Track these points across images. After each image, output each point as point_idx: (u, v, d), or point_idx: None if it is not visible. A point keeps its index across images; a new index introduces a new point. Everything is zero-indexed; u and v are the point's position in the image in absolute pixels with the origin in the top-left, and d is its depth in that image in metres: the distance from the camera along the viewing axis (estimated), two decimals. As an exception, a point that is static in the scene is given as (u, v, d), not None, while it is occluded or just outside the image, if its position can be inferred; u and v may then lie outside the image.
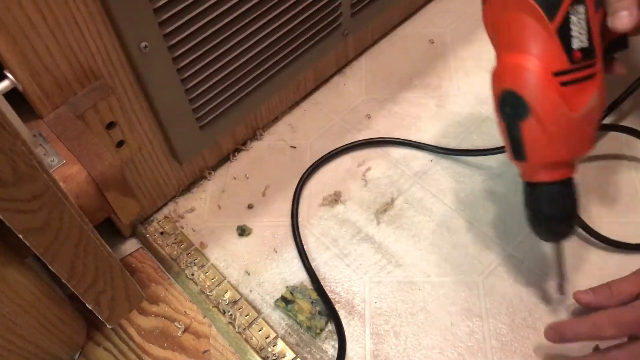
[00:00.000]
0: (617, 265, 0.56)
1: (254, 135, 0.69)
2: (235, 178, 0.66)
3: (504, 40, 0.46)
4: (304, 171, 0.66)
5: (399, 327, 0.55)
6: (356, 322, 0.56)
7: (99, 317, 0.45)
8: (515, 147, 0.47)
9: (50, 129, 0.46)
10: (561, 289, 0.54)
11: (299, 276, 0.59)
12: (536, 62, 0.43)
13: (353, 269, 0.59)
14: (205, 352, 0.56)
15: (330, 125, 0.70)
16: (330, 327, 0.56)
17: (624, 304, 0.50)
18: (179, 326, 0.57)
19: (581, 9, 0.42)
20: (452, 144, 0.67)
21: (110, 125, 0.50)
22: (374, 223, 0.62)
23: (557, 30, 0.42)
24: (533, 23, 0.42)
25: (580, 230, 0.58)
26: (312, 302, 0.57)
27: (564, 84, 0.43)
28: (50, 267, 0.37)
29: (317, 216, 0.63)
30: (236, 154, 0.68)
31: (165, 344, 0.56)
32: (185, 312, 0.58)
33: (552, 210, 0.48)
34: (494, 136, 0.67)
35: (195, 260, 0.60)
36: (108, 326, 0.47)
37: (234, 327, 0.56)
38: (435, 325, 0.55)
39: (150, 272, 0.61)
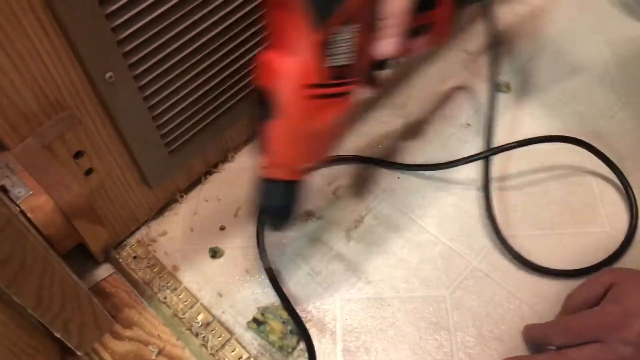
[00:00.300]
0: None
1: (225, 158, 0.70)
2: (207, 200, 0.67)
3: (272, 34, 0.44)
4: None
5: (369, 343, 0.56)
6: (327, 340, 0.57)
7: (68, 344, 0.45)
8: (257, 139, 0.47)
9: (18, 160, 0.47)
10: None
11: (271, 296, 0.60)
12: (294, 68, 0.42)
13: (324, 287, 0.60)
14: (179, 374, 0.56)
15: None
16: (302, 345, 0.57)
17: (592, 306, 0.52)
18: (153, 349, 0.58)
19: (349, 28, 0.41)
20: (418, 160, 0.69)
21: (78, 155, 0.51)
22: (344, 241, 0.63)
23: (321, 43, 0.41)
24: (300, 28, 0.40)
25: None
26: (284, 322, 0.57)
27: (313, 97, 0.43)
28: (15, 298, 0.38)
29: (289, 235, 0.64)
30: (207, 176, 0.69)
31: (139, 368, 0.57)
32: (158, 335, 0.59)
33: (271, 205, 0.50)
34: (460, 149, 0.69)
35: (168, 284, 0.61)
36: (78, 353, 0.47)
37: (206, 348, 0.57)
38: (404, 340, 0.56)
39: (123, 297, 0.61)
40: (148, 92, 0.53)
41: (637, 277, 0.52)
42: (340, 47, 0.42)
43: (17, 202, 0.44)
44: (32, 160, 0.47)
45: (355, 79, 0.45)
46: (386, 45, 0.45)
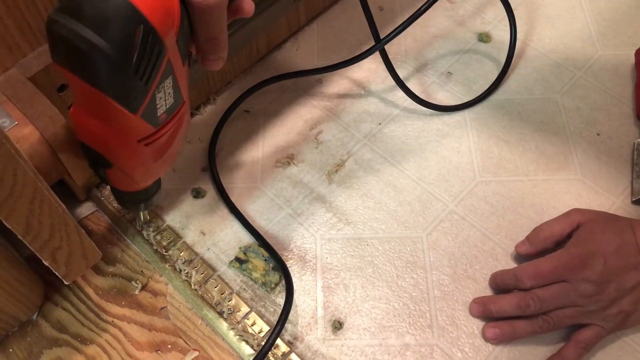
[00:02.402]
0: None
1: (207, 100, 0.70)
2: (189, 141, 0.68)
3: (80, 101, 0.40)
4: (258, 135, 0.68)
5: (348, 280, 0.58)
6: (308, 277, 0.59)
7: (56, 273, 0.46)
8: (101, 179, 0.47)
9: (1, 90, 0.46)
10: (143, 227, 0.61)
11: (252, 236, 0.61)
12: (118, 135, 0.40)
13: (305, 227, 0.62)
14: (162, 308, 0.58)
15: (282, 90, 0.72)
16: (284, 282, 0.58)
17: (558, 243, 0.56)
18: (136, 285, 0.59)
19: (168, 81, 0.39)
20: (401, 106, 0.70)
21: (62, 88, 0.50)
22: (326, 183, 0.65)
23: (142, 115, 0.39)
24: (115, 112, 0.38)
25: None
26: (265, 259, 0.59)
27: (148, 144, 0.42)
28: (5, 223, 0.38)
29: (271, 178, 0.65)
30: (190, 118, 0.69)
31: (123, 302, 0.58)
32: (142, 271, 0.60)
33: (135, 202, 0.52)
34: (435, 100, 0.70)
35: (151, 222, 0.62)
36: (65, 282, 0.48)
37: (189, 284, 0.58)
38: (382, 278, 0.58)
39: (106, 234, 0.62)
40: (133, 27, 0.52)
41: (602, 221, 0.55)
42: (162, 99, 0.40)
43: (3, 131, 0.44)
44: (16, 91, 0.46)
45: (183, 101, 0.43)
46: (215, 62, 0.43)
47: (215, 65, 0.44)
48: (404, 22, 0.63)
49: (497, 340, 0.55)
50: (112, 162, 0.43)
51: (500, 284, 0.57)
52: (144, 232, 0.61)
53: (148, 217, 0.61)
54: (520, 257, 0.59)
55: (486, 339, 0.55)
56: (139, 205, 0.52)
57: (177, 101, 0.42)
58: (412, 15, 0.63)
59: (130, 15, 0.34)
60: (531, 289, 0.53)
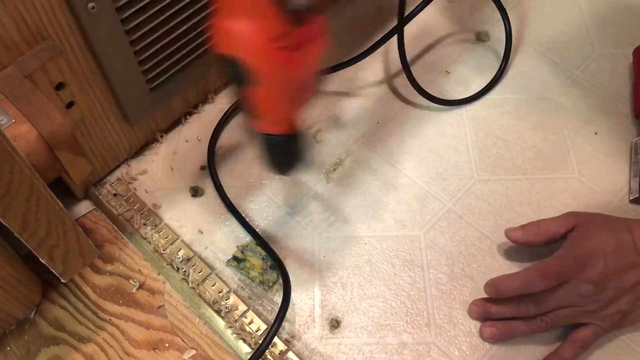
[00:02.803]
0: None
1: (205, 99, 0.70)
2: (187, 140, 0.68)
3: (222, 2, 0.41)
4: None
5: (345, 278, 0.58)
6: (306, 276, 0.59)
7: (53, 271, 0.46)
8: (243, 107, 0.46)
9: (-2, 88, 0.46)
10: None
11: (250, 235, 0.61)
12: (253, 28, 0.40)
13: (303, 226, 0.62)
14: (160, 307, 0.58)
15: (280, 89, 0.72)
16: (282, 280, 0.58)
17: (550, 242, 0.55)
18: (134, 283, 0.59)
19: None
20: (398, 106, 0.70)
21: (60, 86, 0.51)
22: (324, 182, 0.65)
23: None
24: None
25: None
26: (263, 258, 0.59)
27: (283, 49, 0.41)
28: (1, 220, 0.38)
29: (269, 177, 0.65)
30: (188, 117, 0.69)
31: (121, 301, 0.58)
32: (139, 270, 0.60)
33: (278, 157, 0.50)
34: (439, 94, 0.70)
35: (149, 221, 0.62)
36: (62, 280, 0.48)
37: (187, 283, 0.58)
38: (379, 276, 0.58)
39: (104, 233, 0.62)
40: (130, 26, 0.52)
41: (598, 221, 0.54)
42: None
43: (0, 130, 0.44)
44: (13, 89, 0.46)
45: (318, 13, 0.41)
46: None
47: None
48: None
49: (494, 340, 0.55)
50: (251, 66, 0.41)
51: (506, 290, 0.54)
52: (141, 231, 0.61)
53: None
54: (506, 242, 0.59)
55: (484, 338, 0.55)
56: (291, 161, 0.50)
57: (312, 6, 0.40)
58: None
59: None
60: (540, 292, 0.52)
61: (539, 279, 0.52)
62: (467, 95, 0.70)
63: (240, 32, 0.40)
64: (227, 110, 0.69)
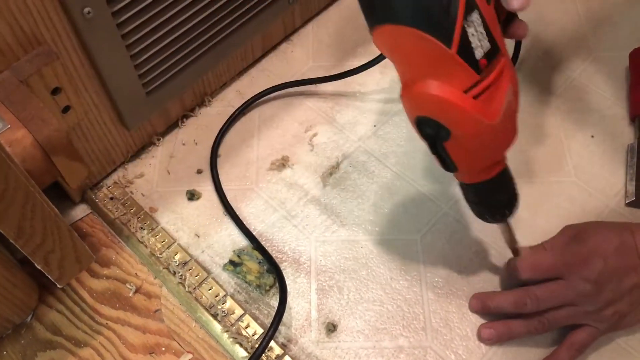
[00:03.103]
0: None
1: (202, 102, 0.70)
2: (184, 144, 0.68)
3: (407, 69, 0.42)
4: (253, 137, 0.68)
5: (342, 282, 0.58)
6: (302, 279, 0.59)
7: (49, 277, 0.46)
8: (444, 162, 0.46)
9: (-6, 94, 0.46)
10: (516, 252, 0.56)
11: (247, 238, 0.61)
12: (444, 86, 0.40)
13: (300, 230, 0.62)
14: (156, 311, 0.58)
15: (277, 92, 0.72)
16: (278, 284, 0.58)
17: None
18: (130, 287, 0.59)
19: (475, 16, 0.39)
20: (395, 109, 0.70)
21: (56, 91, 0.51)
22: (320, 186, 0.65)
23: (458, 52, 0.39)
24: (433, 52, 0.39)
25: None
26: (260, 262, 0.59)
27: (476, 96, 0.41)
28: (-3, 227, 0.38)
29: (266, 180, 0.65)
30: (185, 120, 0.69)
31: (117, 305, 0.58)
32: (136, 274, 0.60)
33: (495, 201, 0.49)
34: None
35: (145, 224, 0.62)
36: (58, 286, 0.48)
37: (184, 287, 0.58)
38: (376, 280, 0.58)
39: (100, 237, 0.62)
40: (127, 30, 0.53)
41: (597, 225, 0.55)
42: (475, 39, 0.39)
43: (-6, 135, 0.44)
44: (9, 94, 0.46)
45: (502, 51, 0.42)
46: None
47: (519, 2, 0.42)
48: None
49: (492, 341, 0.55)
50: (448, 126, 0.42)
51: (493, 308, 0.55)
52: (137, 235, 0.61)
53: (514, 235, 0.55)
54: (502, 246, 0.58)
55: (481, 339, 0.55)
56: (503, 211, 0.50)
57: (495, 49, 0.41)
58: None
59: None
60: (527, 281, 0.53)
61: (526, 269, 0.53)
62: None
63: (433, 92, 0.41)
64: (233, 113, 0.68)
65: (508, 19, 0.46)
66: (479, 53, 0.40)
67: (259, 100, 0.71)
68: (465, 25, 0.38)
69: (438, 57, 0.39)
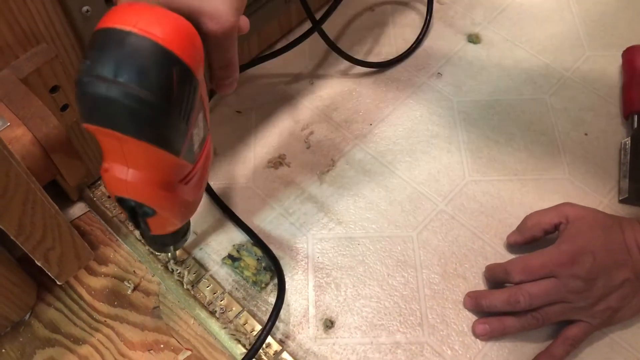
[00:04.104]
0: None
1: (199, 101, 0.71)
2: (181, 142, 0.68)
3: (118, 158, 0.37)
4: (250, 135, 0.68)
5: (339, 279, 0.59)
6: (300, 276, 0.59)
7: (49, 273, 0.46)
8: (139, 228, 0.44)
9: (-7, 92, 0.47)
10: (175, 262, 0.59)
11: (245, 235, 0.62)
12: (162, 182, 0.39)
13: (297, 227, 0.62)
14: (154, 308, 0.58)
15: (274, 91, 0.72)
16: (276, 281, 0.59)
17: (547, 232, 0.57)
18: (129, 285, 0.59)
19: (200, 115, 0.39)
20: (391, 108, 0.71)
21: (54, 89, 0.51)
22: (317, 183, 0.65)
23: (184, 156, 0.38)
24: (160, 159, 0.37)
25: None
26: (258, 259, 0.59)
27: (187, 182, 0.41)
28: (-2, 224, 0.38)
29: (263, 178, 0.66)
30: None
31: (116, 302, 0.58)
32: (134, 271, 0.60)
33: (173, 243, 0.52)
34: (426, 101, 0.71)
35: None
36: (58, 283, 0.48)
37: (182, 284, 0.58)
38: (373, 277, 0.59)
39: (98, 235, 0.62)
40: (125, 29, 0.53)
41: (591, 218, 0.55)
42: (197, 136, 0.39)
43: (-5, 132, 0.44)
44: (8, 92, 0.47)
45: (208, 133, 0.43)
46: (228, 87, 0.44)
47: (229, 88, 0.44)
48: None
49: (486, 336, 0.55)
50: (155, 208, 0.41)
51: (491, 278, 0.58)
52: (135, 232, 0.61)
53: (176, 255, 0.60)
54: (511, 247, 0.60)
55: (476, 334, 0.56)
56: (170, 247, 0.52)
57: (205, 132, 0.41)
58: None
59: (165, 59, 0.33)
60: (520, 283, 0.54)
61: (518, 271, 0.54)
62: (461, 99, 0.71)
63: (150, 188, 0.39)
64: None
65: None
66: (196, 145, 0.40)
67: (256, 100, 0.71)
68: (193, 130, 0.38)
69: (163, 163, 0.37)
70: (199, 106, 0.38)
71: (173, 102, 0.34)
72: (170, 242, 0.51)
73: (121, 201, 0.40)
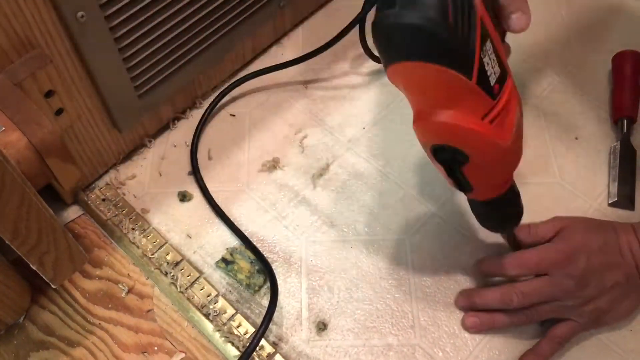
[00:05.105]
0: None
1: (193, 104, 0.71)
2: (175, 145, 0.68)
3: (422, 100, 0.43)
4: (244, 139, 0.69)
5: (332, 282, 0.59)
6: (293, 279, 0.60)
7: (44, 277, 0.47)
8: (459, 184, 0.48)
9: (-12, 96, 0.47)
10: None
11: (239, 238, 0.62)
12: (463, 114, 0.41)
13: (291, 230, 0.63)
14: (149, 311, 0.58)
15: (268, 95, 0.73)
16: (269, 284, 0.59)
17: (538, 244, 0.57)
18: (123, 288, 0.59)
19: (488, 45, 0.40)
20: (384, 112, 0.71)
21: (49, 94, 0.51)
22: (311, 187, 0.66)
23: (477, 82, 0.40)
24: (453, 84, 0.39)
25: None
26: (251, 262, 0.60)
27: (492, 121, 0.42)
28: (-7, 228, 0.39)
29: (257, 181, 0.66)
30: (176, 122, 0.70)
31: (110, 305, 0.59)
32: (128, 274, 0.60)
33: (504, 214, 0.52)
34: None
35: (137, 225, 0.62)
36: (52, 286, 0.49)
37: (176, 287, 0.59)
38: (365, 280, 0.60)
39: (93, 238, 0.63)
40: (119, 34, 0.53)
41: (584, 222, 0.56)
42: (490, 66, 0.40)
43: (-10, 137, 0.45)
44: (3, 97, 0.47)
45: (509, 74, 0.43)
46: (518, 20, 0.43)
47: (520, 23, 0.43)
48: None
49: (476, 329, 0.56)
50: (467, 151, 0.43)
51: (485, 270, 0.58)
52: (129, 235, 0.62)
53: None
54: (505, 247, 0.60)
55: (465, 327, 0.56)
56: (510, 222, 0.52)
57: (503, 73, 0.42)
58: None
59: None
60: (515, 277, 0.55)
61: (514, 266, 0.55)
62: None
63: (454, 122, 0.41)
64: (203, 115, 0.69)
65: None
66: (492, 79, 0.41)
67: (250, 104, 0.72)
68: (482, 56, 0.39)
69: (458, 89, 0.40)
70: (484, 33, 0.39)
71: (449, 17, 0.36)
72: (497, 212, 0.51)
73: (437, 153, 0.44)
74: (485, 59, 0.40)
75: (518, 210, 0.53)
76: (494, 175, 0.47)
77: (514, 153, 0.46)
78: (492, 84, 0.41)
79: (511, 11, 0.43)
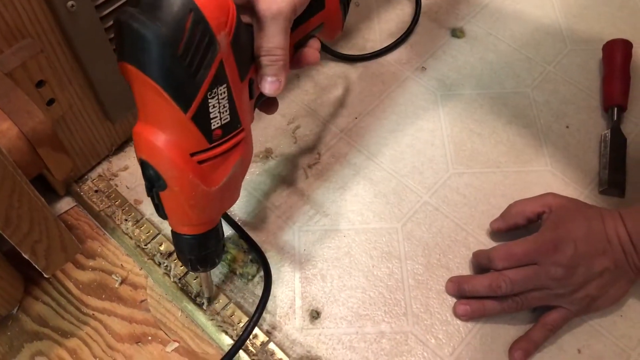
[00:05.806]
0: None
1: (185, 95, 0.71)
2: (168, 137, 0.68)
3: (142, 111, 0.41)
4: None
5: (325, 270, 0.60)
6: (286, 268, 0.60)
7: (36, 266, 0.47)
8: (155, 206, 0.45)
9: (-22, 86, 0.47)
10: (208, 302, 0.57)
11: (232, 228, 0.62)
12: (171, 143, 0.40)
13: (284, 220, 0.63)
14: (142, 301, 0.58)
15: (260, 85, 0.73)
16: (262, 273, 0.59)
17: (530, 221, 0.58)
18: (116, 278, 0.59)
19: (222, 89, 0.39)
20: (376, 102, 0.71)
21: (40, 84, 0.51)
22: (303, 177, 0.66)
23: (193, 118, 0.39)
24: (167, 110, 0.38)
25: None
26: (245, 251, 0.60)
27: (201, 162, 0.41)
28: (-16, 216, 0.39)
29: (250, 172, 0.66)
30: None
31: (103, 295, 0.59)
32: (121, 265, 0.61)
33: (191, 255, 0.48)
34: (411, 95, 0.72)
35: (130, 216, 0.63)
36: (45, 275, 0.49)
37: (169, 277, 0.59)
38: (358, 268, 0.60)
39: (86, 229, 0.63)
40: (110, 23, 0.53)
41: (573, 208, 0.57)
42: (216, 109, 0.39)
43: (-20, 127, 0.45)
44: (-6, 87, 0.47)
45: (242, 127, 0.43)
46: (270, 84, 0.43)
47: (272, 88, 0.43)
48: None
49: (467, 317, 0.57)
50: (166, 180, 0.41)
51: (476, 263, 0.59)
52: (122, 226, 0.62)
53: (214, 291, 0.57)
54: (494, 234, 0.61)
55: (457, 314, 0.57)
56: (202, 262, 0.49)
57: (235, 123, 0.41)
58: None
59: (183, 1, 0.35)
60: (503, 269, 0.55)
61: (501, 258, 0.56)
62: (445, 92, 0.72)
63: (158, 144, 0.40)
64: None
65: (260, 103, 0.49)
66: (215, 124, 0.40)
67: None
68: (209, 96, 0.38)
69: (171, 116, 0.38)
70: (220, 76, 0.38)
71: (180, 41, 0.36)
72: (187, 251, 0.48)
73: (142, 166, 0.42)
74: (213, 101, 0.39)
75: (210, 254, 0.49)
76: (190, 212, 0.44)
77: (219, 200, 0.45)
78: (212, 128, 0.40)
79: (267, 74, 0.43)
